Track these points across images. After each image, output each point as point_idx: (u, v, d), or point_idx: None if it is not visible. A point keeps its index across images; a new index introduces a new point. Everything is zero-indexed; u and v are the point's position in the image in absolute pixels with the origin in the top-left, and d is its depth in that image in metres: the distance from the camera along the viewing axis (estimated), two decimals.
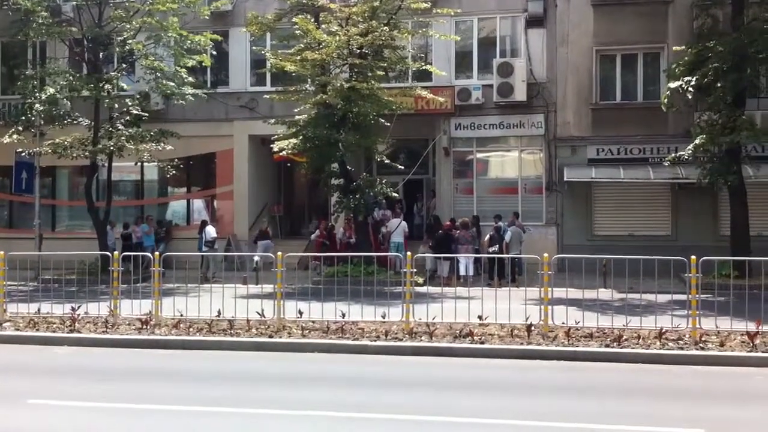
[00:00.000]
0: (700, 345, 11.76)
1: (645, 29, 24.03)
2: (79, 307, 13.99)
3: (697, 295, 11.99)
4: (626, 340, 11.96)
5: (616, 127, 24.08)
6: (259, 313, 13.42)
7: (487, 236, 21.98)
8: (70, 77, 22.93)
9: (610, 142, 24.21)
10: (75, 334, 13.18)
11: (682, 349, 11.67)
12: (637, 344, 11.84)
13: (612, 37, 24.35)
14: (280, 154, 22.13)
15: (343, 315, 13.21)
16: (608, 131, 24.19)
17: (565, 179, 23.82)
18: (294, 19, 21.76)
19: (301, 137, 21.55)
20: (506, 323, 12.76)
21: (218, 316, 13.45)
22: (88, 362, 11.87)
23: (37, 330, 13.56)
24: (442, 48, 25.06)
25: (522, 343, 12.05)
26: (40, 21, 22.46)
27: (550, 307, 12.52)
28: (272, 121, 23.18)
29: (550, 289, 12.48)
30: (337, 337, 12.61)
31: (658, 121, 23.27)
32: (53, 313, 14.23)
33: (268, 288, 14.59)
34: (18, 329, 13.63)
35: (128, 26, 22.85)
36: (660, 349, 11.66)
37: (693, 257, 12.11)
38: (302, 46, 21.91)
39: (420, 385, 10.21)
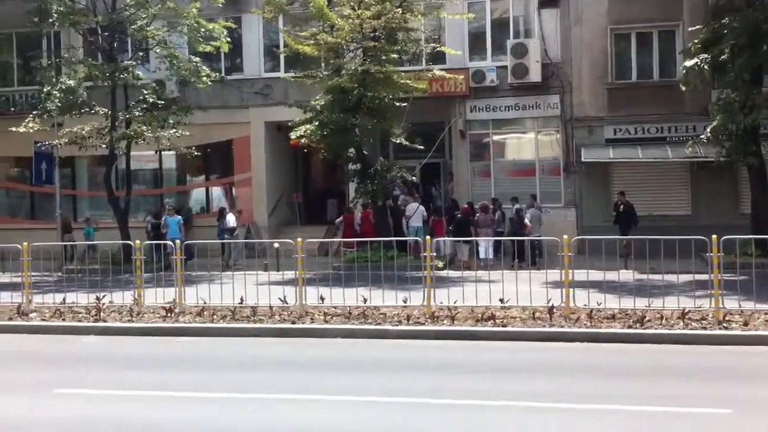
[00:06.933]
0: (724, 325, 11.72)
1: (659, 7, 23.80)
2: (103, 297, 14.12)
3: (719, 275, 11.95)
4: (649, 321, 11.94)
5: (632, 106, 23.92)
6: (281, 300, 13.50)
7: (507, 220, 21.90)
8: (87, 66, 22.99)
9: (626, 121, 24.07)
10: (100, 323, 13.30)
11: (705, 329, 11.64)
12: (660, 325, 11.81)
13: (626, 16, 24.14)
14: (300, 141, 22.18)
15: (365, 300, 13.29)
16: (625, 110, 24.03)
17: (583, 160, 23.72)
18: None
19: (317, 123, 21.56)
20: (528, 306, 12.76)
21: (241, 303, 13.53)
22: (114, 351, 11.99)
23: (63, 319, 13.71)
24: (455, 30, 24.94)
25: (544, 326, 12.06)
26: (56, 9, 22.49)
27: (571, 289, 12.52)
28: (289, 103, 23.05)
29: (570, 271, 12.48)
30: (359, 323, 12.67)
31: (674, 100, 23.11)
32: (78, 303, 14.38)
33: (289, 274, 14.67)
34: (44, 319, 13.78)
35: (144, 14, 22.87)
36: (683, 329, 11.62)
37: (714, 236, 12.05)
38: (315, 30, 21.89)
39: (443, 369, 10.24)
